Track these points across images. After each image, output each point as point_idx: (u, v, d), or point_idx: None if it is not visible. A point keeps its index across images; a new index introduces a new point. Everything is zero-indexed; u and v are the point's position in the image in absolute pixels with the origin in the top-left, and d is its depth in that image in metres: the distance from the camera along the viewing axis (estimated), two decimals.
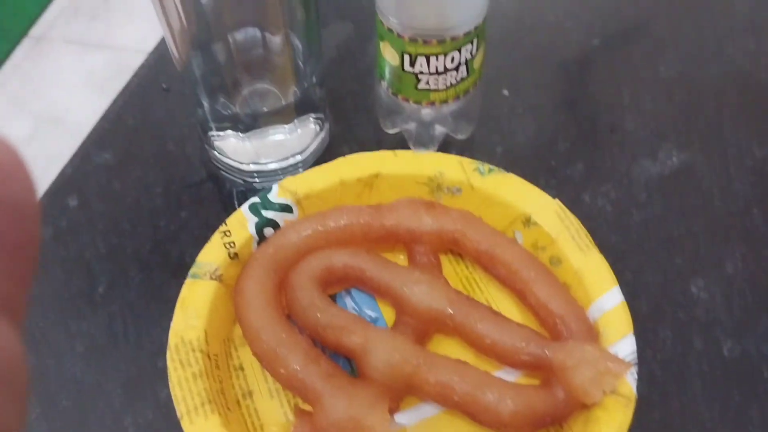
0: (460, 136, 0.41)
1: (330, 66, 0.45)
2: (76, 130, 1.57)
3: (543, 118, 0.43)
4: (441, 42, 0.35)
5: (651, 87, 0.43)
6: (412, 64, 0.36)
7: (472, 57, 0.36)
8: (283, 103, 0.39)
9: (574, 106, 0.43)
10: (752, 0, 0.49)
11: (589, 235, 0.33)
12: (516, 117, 0.42)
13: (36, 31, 1.64)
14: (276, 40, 0.39)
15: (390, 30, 0.35)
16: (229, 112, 0.39)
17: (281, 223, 0.35)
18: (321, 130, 0.42)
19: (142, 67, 0.45)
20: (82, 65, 1.57)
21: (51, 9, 1.68)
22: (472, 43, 0.35)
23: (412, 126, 0.41)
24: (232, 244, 0.34)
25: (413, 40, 0.35)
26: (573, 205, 0.34)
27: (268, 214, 0.35)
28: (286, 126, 0.40)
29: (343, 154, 0.37)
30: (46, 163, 1.45)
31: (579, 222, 0.34)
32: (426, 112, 0.39)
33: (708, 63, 0.45)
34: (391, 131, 0.42)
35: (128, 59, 1.57)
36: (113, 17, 1.65)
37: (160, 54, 0.45)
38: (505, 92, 0.43)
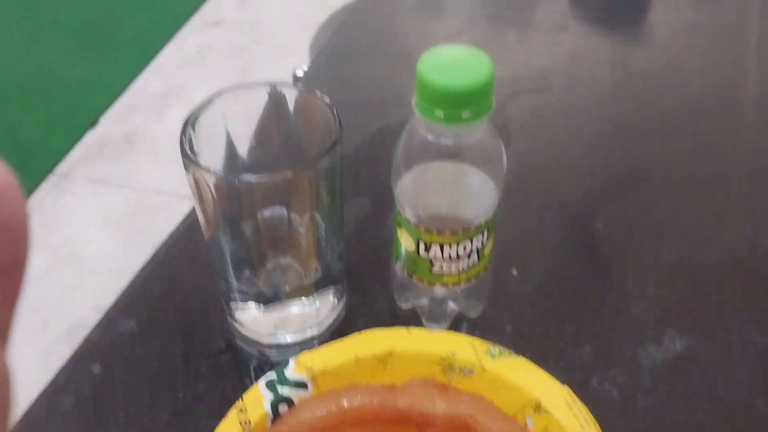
0: (472, 314, 0.43)
1: (349, 239, 0.48)
2: (91, 266, 1.61)
3: (551, 298, 0.44)
4: (454, 233, 0.37)
5: (654, 271, 0.46)
6: (427, 250, 0.38)
7: (483, 246, 0.39)
8: (305, 279, 0.41)
9: (581, 287, 0.45)
10: (746, 187, 0.52)
11: (597, 423, 0.34)
12: (525, 296, 0.44)
13: (61, 168, 1.72)
14: (301, 220, 0.42)
15: (407, 220, 0.38)
16: (253, 288, 0.41)
17: (296, 400, 0.36)
18: (339, 302, 0.43)
19: (171, 236, 0.47)
20: (101, 203, 1.63)
21: (77, 148, 1.76)
22: (483, 234, 0.38)
23: (425, 302, 0.43)
24: (247, 422, 0.35)
25: (428, 231, 0.37)
26: (581, 389, 0.35)
27: (284, 390, 0.36)
28: (305, 299, 0.42)
29: (358, 327, 0.39)
30: (59, 298, 1.48)
31: (587, 410, 0.35)
32: (438, 290, 0.41)
33: (707, 249, 0.47)
34: (405, 306, 0.44)
35: (146, 199, 1.63)
36: (136, 158, 1.72)
37: (189, 223, 0.48)
38: (514, 272, 0.46)
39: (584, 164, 0.54)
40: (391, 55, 0.65)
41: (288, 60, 1.89)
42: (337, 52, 0.66)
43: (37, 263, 1.50)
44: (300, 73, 1.07)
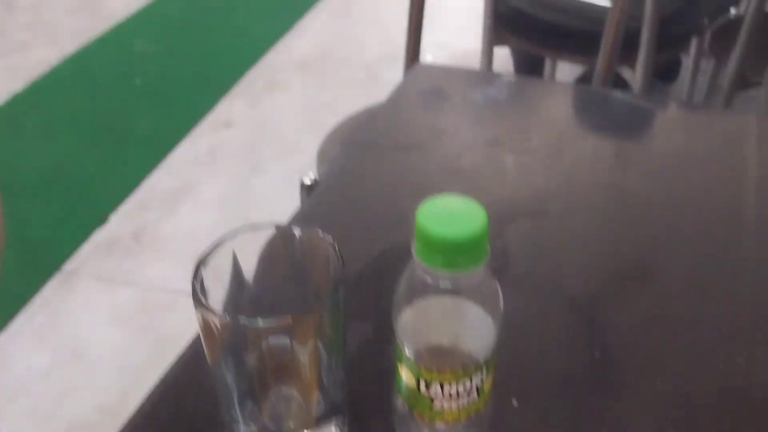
0: None
1: (350, 365, 0.49)
2: (93, 366, 1.60)
3: (550, 430, 0.45)
4: (454, 372, 0.38)
5: (649, 401, 0.46)
6: (428, 387, 0.39)
7: (483, 383, 0.40)
8: (307, 411, 0.42)
9: (579, 418, 0.46)
10: (742, 316, 0.53)
11: None
12: (525, 428, 0.45)
13: (69, 265, 1.73)
14: (304, 350, 0.43)
15: (408, 357, 0.39)
16: (256, 422, 0.41)
17: None
18: None
19: (177, 362, 0.48)
20: (108, 301, 1.64)
21: (86, 245, 1.78)
22: (482, 371, 0.39)
23: None
24: None
25: (428, 369, 0.39)
26: None
27: None
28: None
29: None
30: (61, 397, 1.46)
31: None
32: (440, 425, 0.42)
33: (701, 379, 0.48)
34: None
35: (153, 296, 1.64)
36: (144, 256, 1.74)
37: (196, 348, 0.49)
38: (515, 402, 0.46)
39: (581, 290, 0.55)
40: (393, 178, 0.67)
41: (296, 160, 1.94)
42: (342, 174, 0.69)
43: (39, 361, 1.50)
44: (307, 181, 1.11)
